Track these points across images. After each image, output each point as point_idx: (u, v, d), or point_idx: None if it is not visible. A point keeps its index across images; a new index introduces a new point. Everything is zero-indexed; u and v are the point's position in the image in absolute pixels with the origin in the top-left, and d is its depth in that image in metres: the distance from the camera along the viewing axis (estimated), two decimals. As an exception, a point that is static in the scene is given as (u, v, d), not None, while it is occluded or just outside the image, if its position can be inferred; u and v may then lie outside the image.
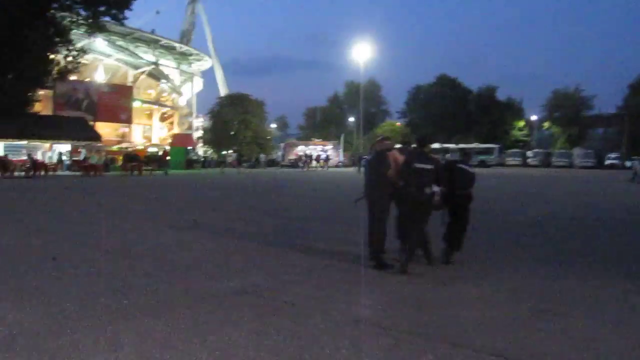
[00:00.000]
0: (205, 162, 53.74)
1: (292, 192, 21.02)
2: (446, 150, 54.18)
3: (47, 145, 39.80)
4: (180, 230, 9.71)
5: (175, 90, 68.22)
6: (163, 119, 67.85)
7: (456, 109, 73.85)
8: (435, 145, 50.62)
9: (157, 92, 67.29)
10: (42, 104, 41.59)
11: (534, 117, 73.95)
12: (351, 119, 78.25)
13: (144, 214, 12.36)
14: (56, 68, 31.70)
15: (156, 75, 63.62)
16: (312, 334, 4.12)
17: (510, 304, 5.10)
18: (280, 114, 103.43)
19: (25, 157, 32.74)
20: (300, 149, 56.65)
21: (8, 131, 33.66)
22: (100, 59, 56.37)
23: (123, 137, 56.84)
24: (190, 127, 72.06)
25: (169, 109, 68.11)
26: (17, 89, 29.15)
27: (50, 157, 39.14)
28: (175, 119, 69.05)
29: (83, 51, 33.36)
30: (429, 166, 6.35)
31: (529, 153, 63.66)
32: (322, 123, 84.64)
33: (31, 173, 29.41)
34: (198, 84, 76.55)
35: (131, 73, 60.31)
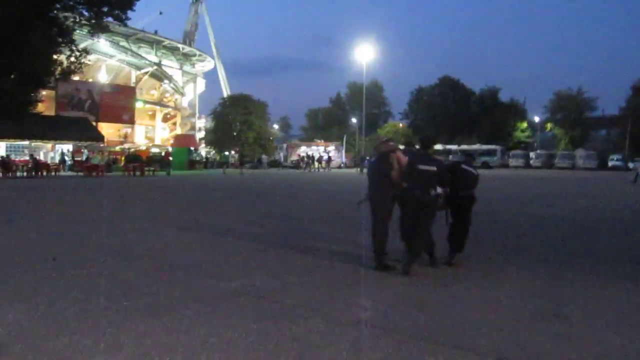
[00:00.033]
0: (208, 163, 53.82)
1: (293, 192, 20.99)
2: (448, 152, 54.14)
3: (49, 145, 39.91)
4: (181, 230, 9.70)
5: (178, 91, 68.28)
6: (166, 119, 67.97)
7: (458, 110, 73.89)
8: (438, 147, 50.61)
9: (159, 93, 67.38)
10: (45, 104, 41.62)
11: (536, 119, 73.85)
12: (354, 120, 78.25)
13: (145, 214, 12.35)
14: (59, 68, 31.73)
15: (159, 76, 63.69)
16: (313, 335, 4.09)
17: (512, 305, 5.05)
18: (282, 115, 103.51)
19: (27, 158, 32.83)
20: (303, 150, 56.63)
21: (10, 131, 33.75)
22: (103, 59, 56.48)
23: (125, 138, 56.95)
24: (192, 128, 72.12)
25: (171, 109, 68.20)
26: (20, 89, 29.19)
27: (53, 158, 39.25)
28: (178, 119, 69.13)
29: (86, 52, 33.37)
30: (432, 168, 6.31)
31: (532, 154, 63.57)
32: (325, 124, 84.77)
33: (33, 173, 29.46)
34: (201, 84, 76.66)
35: (134, 74, 60.38)
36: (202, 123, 75.61)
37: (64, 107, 46.71)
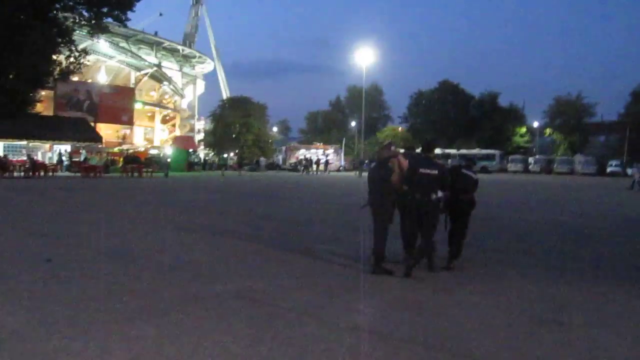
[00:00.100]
0: (206, 165, 53.72)
1: (292, 195, 20.92)
2: (447, 156, 54.07)
3: (47, 145, 39.80)
4: (178, 231, 9.62)
5: (178, 92, 68.21)
6: (165, 121, 67.85)
7: (458, 114, 73.84)
8: (437, 151, 50.56)
9: (159, 94, 67.29)
10: (43, 105, 41.44)
11: (535, 124, 73.86)
12: (353, 124, 78.23)
13: (142, 216, 12.27)
14: (58, 68, 31.60)
15: (158, 77, 63.61)
16: (308, 340, 4.01)
17: (511, 311, 4.99)
18: (282, 118, 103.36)
19: (25, 158, 32.72)
20: (302, 153, 56.57)
21: (8, 131, 33.64)
22: (103, 60, 56.39)
23: (124, 139, 56.80)
24: (192, 130, 72.03)
25: (170, 111, 68.10)
26: (18, 89, 29.07)
27: (51, 158, 39.13)
28: (177, 121, 69.03)
29: (85, 52, 33.19)
30: (434, 171, 6.31)
31: (531, 159, 63.59)
32: (324, 127, 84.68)
33: (30, 173, 29.35)
34: (200, 86, 76.60)
35: (133, 75, 60.30)
36: (201, 125, 75.48)
37: (63, 107, 46.62)
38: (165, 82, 65.10)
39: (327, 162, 53.32)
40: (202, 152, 63.21)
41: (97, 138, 42.40)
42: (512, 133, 72.01)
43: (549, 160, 63.20)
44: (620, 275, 6.85)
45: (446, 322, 4.60)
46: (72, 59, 31.33)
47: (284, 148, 63.41)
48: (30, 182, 25.16)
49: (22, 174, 29.98)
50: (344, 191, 23.28)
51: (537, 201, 19.90)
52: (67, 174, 34.69)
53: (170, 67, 66.66)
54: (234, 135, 55.26)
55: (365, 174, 8.11)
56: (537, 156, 65.37)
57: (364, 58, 45.90)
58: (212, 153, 60.37)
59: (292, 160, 56.71)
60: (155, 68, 61.61)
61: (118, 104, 51.06)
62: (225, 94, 76.35)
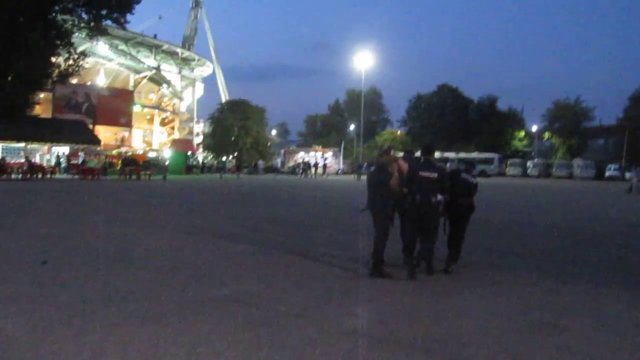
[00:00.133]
0: (205, 168, 53.70)
1: (290, 198, 20.87)
2: (446, 160, 54.10)
3: (45, 148, 39.72)
4: (174, 234, 9.57)
5: (177, 95, 68.23)
6: (164, 123, 67.86)
7: (457, 118, 73.95)
8: (436, 155, 50.52)
9: (158, 97, 67.33)
10: (42, 107, 41.52)
11: (534, 128, 73.97)
12: (352, 127, 78.31)
13: (138, 218, 12.21)
14: (56, 71, 31.60)
15: (157, 80, 63.64)
16: (305, 345, 3.96)
17: (510, 316, 4.94)
18: (281, 121, 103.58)
19: (22, 160, 32.61)
20: (300, 156, 56.60)
21: (6, 133, 33.57)
22: (102, 62, 56.44)
23: (123, 141, 56.76)
24: (190, 133, 72.02)
25: (169, 113, 68.11)
26: (17, 91, 29.05)
27: (49, 160, 39.05)
28: (176, 124, 69.04)
29: (84, 54, 33.24)
30: (434, 174, 6.32)
31: (529, 163, 63.63)
32: (323, 130, 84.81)
33: (28, 176, 29.25)
34: (199, 89, 76.63)
35: (132, 77, 60.32)
36: (200, 128, 75.47)
37: (61, 109, 46.60)
38: (165, 85, 65.13)
39: (324, 166, 53.36)
40: (200, 155, 63.19)
41: (96, 140, 42.37)
42: (511, 137, 72.14)
43: (547, 164, 63.30)
44: (620, 279, 6.80)
45: (445, 326, 4.55)
46: (71, 61, 31.37)
47: (282, 151, 63.47)
48: (27, 185, 25.07)
49: (20, 176, 29.88)
50: (342, 194, 23.23)
51: (536, 205, 19.88)
52: (65, 176, 34.60)
53: (170, 69, 66.70)
54: (232, 138, 55.30)
55: (363, 177, 8.09)
56: (535, 160, 65.44)
57: (363, 61, 46.01)
58: (211, 156, 60.38)
59: (291, 163, 56.75)
60: (154, 71, 61.66)
61: (117, 106, 51.08)
62: (224, 96, 76.41)
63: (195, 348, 3.81)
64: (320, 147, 64.27)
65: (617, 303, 5.60)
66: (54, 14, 30.46)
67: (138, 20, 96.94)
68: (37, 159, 36.82)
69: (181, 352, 3.72)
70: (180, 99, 69.98)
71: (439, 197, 6.31)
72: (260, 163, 55.49)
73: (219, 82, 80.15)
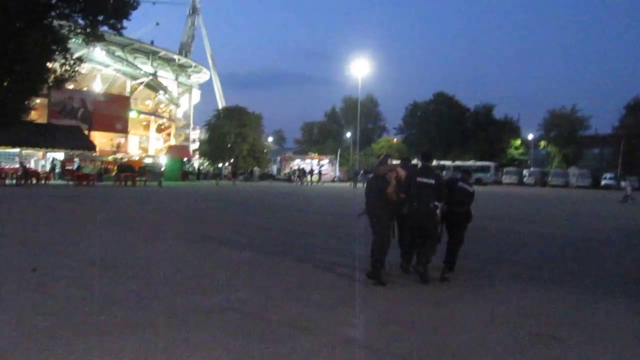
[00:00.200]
0: (201, 174, 53.55)
1: (286, 205, 20.77)
2: (442, 167, 54.14)
3: (40, 153, 39.53)
4: (168, 242, 9.46)
5: (173, 101, 68.11)
6: (160, 130, 67.66)
7: (453, 126, 74.02)
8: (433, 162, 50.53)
9: (154, 103, 67.16)
10: (37, 112, 41.25)
11: (530, 136, 74.23)
12: (348, 134, 78.36)
13: (132, 225, 12.09)
14: (52, 76, 31.44)
15: (154, 86, 63.49)
16: (300, 356, 3.87)
17: (508, 326, 4.86)
18: (277, 128, 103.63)
19: (17, 165, 32.42)
20: (297, 163, 56.55)
21: (1, 139, 33.38)
22: (98, 68, 56.27)
23: (119, 148, 56.55)
24: (187, 139, 71.81)
25: (166, 120, 67.94)
26: (12, 97, 28.90)
27: (44, 166, 38.85)
28: (172, 130, 68.84)
29: (80, 60, 33.06)
30: (431, 181, 6.37)
31: (525, 172, 63.79)
32: (320, 138, 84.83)
33: (22, 181, 29.06)
34: (196, 96, 76.54)
35: (129, 83, 60.18)
36: (196, 134, 75.26)
37: (57, 115, 46.36)
38: (161, 91, 65.00)
39: (320, 173, 53.27)
40: (196, 162, 63.01)
41: (91, 146, 42.17)
42: (507, 145, 72.30)
43: (543, 172, 63.45)
44: (618, 289, 6.74)
45: (440, 336, 4.47)
46: (66, 67, 31.20)
47: (278, 158, 63.38)
48: (21, 190, 24.88)
49: (14, 181, 29.68)
50: (338, 202, 23.16)
51: (532, 214, 19.86)
52: (59, 182, 34.41)
53: (166, 76, 66.60)
54: (229, 145, 55.14)
55: (359, 185, 7.99)
56: (531, 168, 65.62)
57: (360, 69, 46.06)
58: (207, 162, 60.20)
59: (287, 170, 56.68)
60: (151, 77, 61.53)
61: (113, 112, 50.88)
62: (220, 103, 76.28)
63: (186, 358, 3.71)
64: (316, 154, 64.21)
65: (614, 313, 5.54)
66: (50, 20, 30.33)
67: (135, 27, 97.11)
68: (32, 165, 36.61)
69: (171, 363, 3.63)
70: (177, 105, 69.84)
71: (436, 203, 6.34)
72: (256, 170, 55.33)
73: (215, 88, 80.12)
